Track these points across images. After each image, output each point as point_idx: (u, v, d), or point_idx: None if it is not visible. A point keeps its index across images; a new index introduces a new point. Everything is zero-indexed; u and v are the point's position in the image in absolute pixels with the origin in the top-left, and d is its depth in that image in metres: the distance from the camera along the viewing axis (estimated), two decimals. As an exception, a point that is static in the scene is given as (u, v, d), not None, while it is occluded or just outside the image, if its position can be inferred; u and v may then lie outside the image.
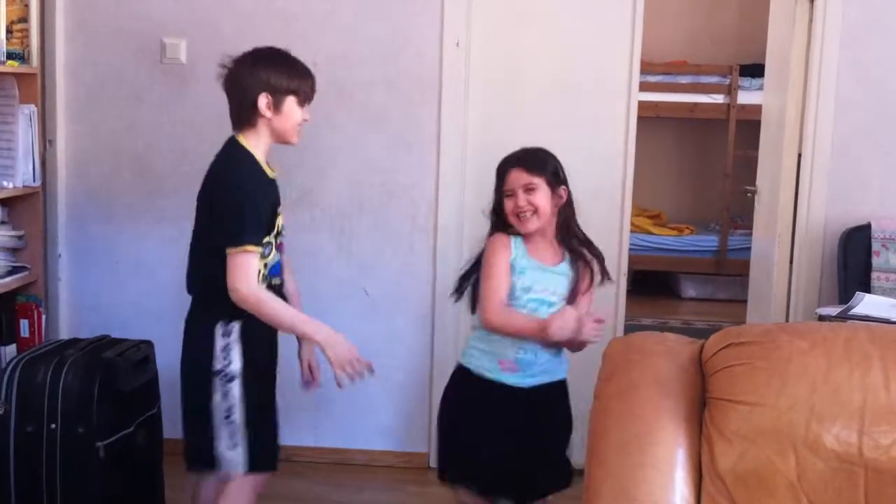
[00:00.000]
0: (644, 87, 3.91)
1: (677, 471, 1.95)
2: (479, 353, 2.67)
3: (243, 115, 2.57)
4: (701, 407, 2.01)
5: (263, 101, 2.52)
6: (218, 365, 2.47)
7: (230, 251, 2.41)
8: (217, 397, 2.46)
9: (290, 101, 2.55)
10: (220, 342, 2.48)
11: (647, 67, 3.87)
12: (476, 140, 3.75)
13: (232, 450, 2.47)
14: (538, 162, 2.69)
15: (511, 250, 2.64)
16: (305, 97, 2.59)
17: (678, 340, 2.18)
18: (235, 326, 2.48)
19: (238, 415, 2.47)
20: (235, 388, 2.46)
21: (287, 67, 2.58)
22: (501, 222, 2.69)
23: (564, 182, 2.72)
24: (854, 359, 1.91)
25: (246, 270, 2.42)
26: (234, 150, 2.58)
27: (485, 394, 2.65)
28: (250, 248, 2.43)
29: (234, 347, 2.48)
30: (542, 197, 2.64)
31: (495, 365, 2.63)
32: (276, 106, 2.53)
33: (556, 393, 2.71)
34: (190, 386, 2.54)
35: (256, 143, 2.57)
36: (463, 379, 2.71)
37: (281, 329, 2.55)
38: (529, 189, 2.63)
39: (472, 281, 2.74)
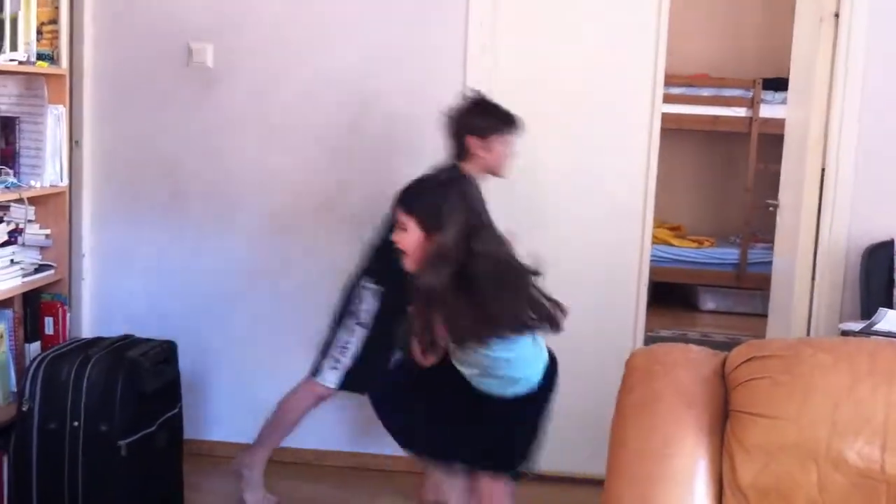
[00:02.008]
0: (666, 99, 3.91)
1: (697, 483, 1.95)
2: None
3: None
4: (723, 419, 2.01)
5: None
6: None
7: None
8: None
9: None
10: None
11: (669, 80, 3.87)
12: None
13: None
14: (414, 200, 2.55)
15: None
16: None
17: (701, 352, 2.18)
18: None
19: None
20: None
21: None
22: None
23: (440, 227, 2.47)
24: (878, 374, 1.90)
25: None
26: None
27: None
28: None
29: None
30: (410, 240, 2.52)
31: None
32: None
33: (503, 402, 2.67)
34: None
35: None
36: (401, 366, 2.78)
37: None
38: (402, 227, 2.54)
39: None
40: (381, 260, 3.12)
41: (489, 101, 3.24)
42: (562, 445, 3.82)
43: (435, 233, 2.47)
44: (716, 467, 1.96)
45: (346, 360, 3.22)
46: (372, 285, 3.21)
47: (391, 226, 2.80)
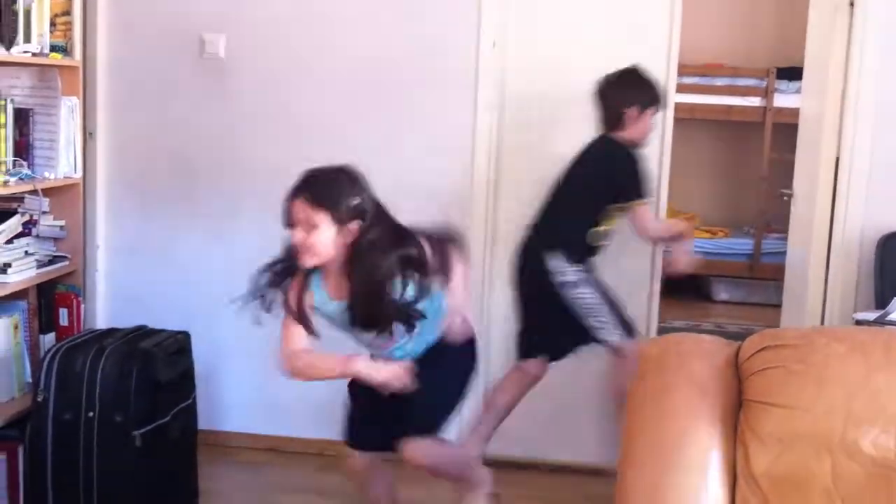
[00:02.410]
0: (680, 88, 3.89)
1: (711, 472, 1.95)
2: None
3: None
4: (736, 409, 2.00)
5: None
6: None
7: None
8: None
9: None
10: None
11: (683, 69, 3.85)
12: (511, 141, 3.75)
13: None
14: (323, 193, 2.42)
15: (310, 291, 2.52)
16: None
17: (714, 342, 2.18)
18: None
19: None
20: None
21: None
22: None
23: (360, 215, 2.44)
24: (893, 364, 1.90)
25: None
26: None
27: None
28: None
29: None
30: (324, 237, 2.41)
31: None
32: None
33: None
34: None
35: None
36: None
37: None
38: (310, 226, 2.40)
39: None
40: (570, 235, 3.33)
41: (647, 76, 3.38)
42: (574, 436, 3.84)
43: (349, 221, 2.42)
44: (729, 456, 1.96)
45: (608, 316, 3.29)
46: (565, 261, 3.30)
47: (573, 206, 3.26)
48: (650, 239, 3.55)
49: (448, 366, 2.69)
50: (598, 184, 3.35)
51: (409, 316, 2.52)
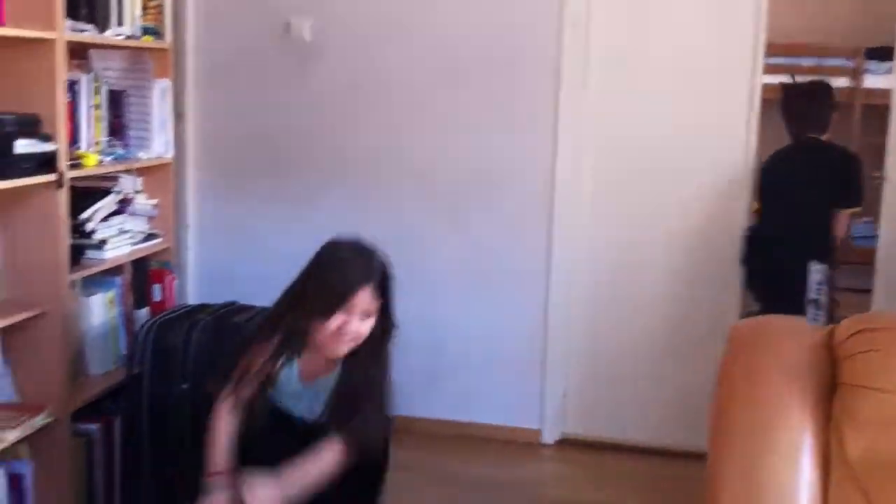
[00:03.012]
0: (765, 69, 3.82)
1: (804, 456, 1.92)
2: None
3: None
4: (829, 393, 1.97)
5: None
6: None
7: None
8: None
9: None
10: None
11: (768, 49, 3.78)
12: (594, 120, 3.73)
13: None
14: (382, 281, 2.24)
15: (278, 373, 2.29)
16: None
17: (805, 325, 2.15)
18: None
19: None
20: None
21: None
22: (289, 328, 2.27)
23: (387, 301, 2.28)
24: None
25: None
26: None
27: None
28: None
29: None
30: (371, 325, 2.24)
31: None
32: None
33: None
34: None
35: None
36: None
37: None
38: (367, 315, 2.22)
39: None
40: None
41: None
42: (661, 419, 3.82)
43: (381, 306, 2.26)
44: (822, 441, 1.93)
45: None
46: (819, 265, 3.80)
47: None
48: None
49: None
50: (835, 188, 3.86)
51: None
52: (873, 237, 4.24)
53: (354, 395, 2.25)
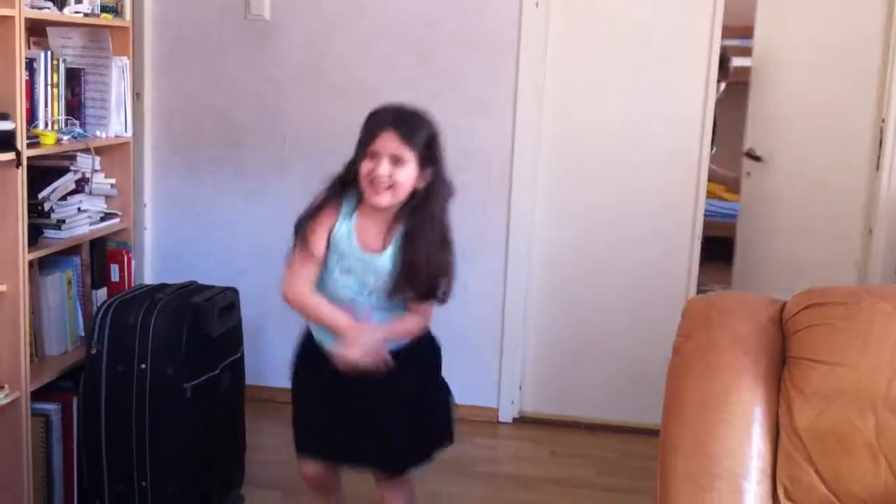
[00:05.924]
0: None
1: (755, 427, 1.97)
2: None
3: None
4: (780, 366, 2.03)
5: None
6: None
7: None
8: None
9: None
10: None
11: (727, 32, 3.83)
12: (553, 101, 3.77)
13: None
14: (414, 131, 2.29)
15: (336, 225, 2.34)
16: None
17: (758, 299, 2.19)
18: None
19: None
20: None
21: None
22: (343, 181, 2.36)
23: (435, 162, 2.33)
24: (939, 322, 1.91)
25: None
26: None
27: (321, 359, 2.43)
28: None
29: None
30: (408, 174, 2.28)
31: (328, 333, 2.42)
32: None
33: (397, 364, 2.38)
34: None
35: None
36: (305, 342, 2.56)
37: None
38: (397, 160, 2.27)
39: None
40: None
41: None
42: (615, 396, 3.88)
43: (428, 166, 2.31)
44: (772, 412, 1.99)
45: None
46: None
47: None
48: None
49: (441, 399, 2.62)
50: None
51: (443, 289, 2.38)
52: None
53: (413, 262, 2.32)
